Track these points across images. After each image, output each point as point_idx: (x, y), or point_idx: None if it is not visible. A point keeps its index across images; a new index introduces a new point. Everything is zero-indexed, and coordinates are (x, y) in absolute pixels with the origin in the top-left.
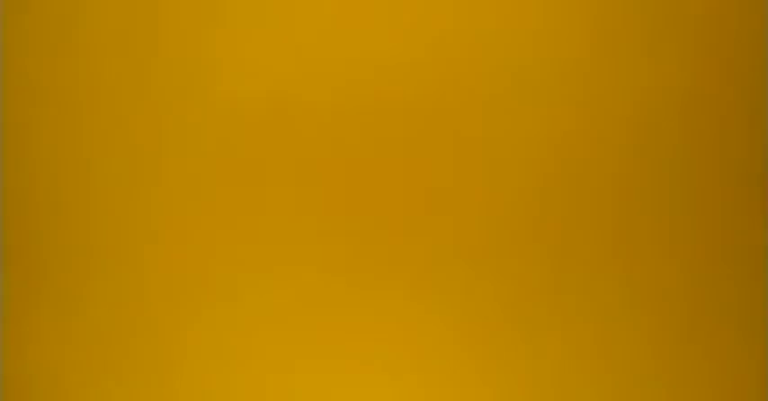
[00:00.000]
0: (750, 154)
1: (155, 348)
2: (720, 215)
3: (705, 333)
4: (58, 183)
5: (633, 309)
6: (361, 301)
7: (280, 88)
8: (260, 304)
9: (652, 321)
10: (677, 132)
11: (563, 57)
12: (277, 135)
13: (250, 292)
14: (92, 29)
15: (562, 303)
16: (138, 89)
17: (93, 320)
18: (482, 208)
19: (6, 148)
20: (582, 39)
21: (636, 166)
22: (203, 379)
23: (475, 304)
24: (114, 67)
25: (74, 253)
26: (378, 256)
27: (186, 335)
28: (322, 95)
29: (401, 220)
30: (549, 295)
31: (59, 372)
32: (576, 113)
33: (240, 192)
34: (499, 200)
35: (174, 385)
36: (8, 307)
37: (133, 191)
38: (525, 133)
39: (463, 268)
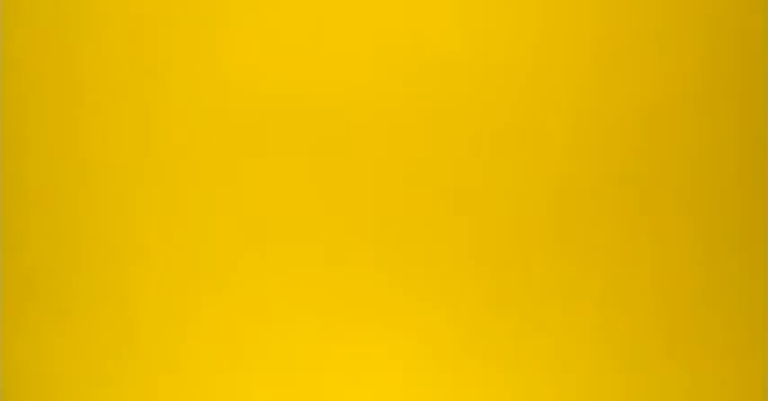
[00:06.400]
0: (750, 154)
1: (155, 347)
2: (720, 215)
3: (705, 332)
4: (58, 184)
5: (633, 309)
6: (361, 300)
7: (281, 88)
8: (260, 302)
9: (653, 320)
10: (677, 132)
11: (565, 59)
12: (278, 135)
13: (251, 291)
14: (93, 29)
15: (561, 302)
16: (139, 89)
17: (94, 320)
18: (481, 208)
19: (6, 148)
20: (584, 41)
21: (635, 167)
22: (203, 378)
23: (475, 303)
24: (115, 68)
25: (74, 253)
26: (378, 256)
27: (186, 335)
28: (326, 94)
29: (401, 220)
30: (547, 294)
31: (59, 371)
32: (577, 114)
33: (241, 192)
34: (498, 201)
35: (174, 384)
36: (8, 307)
37: (133, 192)
38: (527, 132)
39: (463, 268)
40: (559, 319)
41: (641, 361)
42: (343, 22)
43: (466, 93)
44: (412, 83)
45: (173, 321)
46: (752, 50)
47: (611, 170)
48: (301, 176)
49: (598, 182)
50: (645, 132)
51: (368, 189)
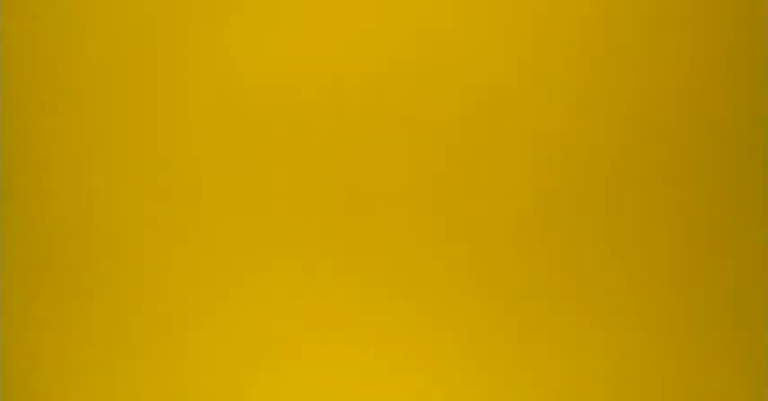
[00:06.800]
0: (750, 153)
1: (154, 346)
2: (720, 215)
3: (705, 332)
4: (58, 183)
5: (633, 309)
6: (359, 299)
7: (281, 88)
8: (259, 302)
9: (652, 321)
10: (677, 132)
11: (562, 58)
12: (277, 135)
13: (249, 290)
14: (93, 28)
15: (561, 303)
16: (138, 88)
17: (93, 319)
18: (481, 207)
19: (6, 148)
20: (581, 39)
21: (635, 166)
22: (203, 377)
23: (474, 303)
24: (114, 68)
25: (73, 252)
26: (376, 255)
27: (186, 334)
28: (322, 94)
29: (399, 220)
30: (548, 295)
31: (59, 370)
32: (575, 113)
33: (240, 191)
34: (498, 200)
35: (173, 382)
36: (8, 306)
37: (133, 190)
38: (524, 133)
39: (463, 268)
40: (560, 321)
41: (643, 362)
42: (351, 22)
43: (477, 97)
44: (417, 85)
45: (174, 322)
46: (752, 50)
47: (608, 170)
48: (305, 177)
49: (603, 184)
50: (642, 133)
51: (372, 191)
